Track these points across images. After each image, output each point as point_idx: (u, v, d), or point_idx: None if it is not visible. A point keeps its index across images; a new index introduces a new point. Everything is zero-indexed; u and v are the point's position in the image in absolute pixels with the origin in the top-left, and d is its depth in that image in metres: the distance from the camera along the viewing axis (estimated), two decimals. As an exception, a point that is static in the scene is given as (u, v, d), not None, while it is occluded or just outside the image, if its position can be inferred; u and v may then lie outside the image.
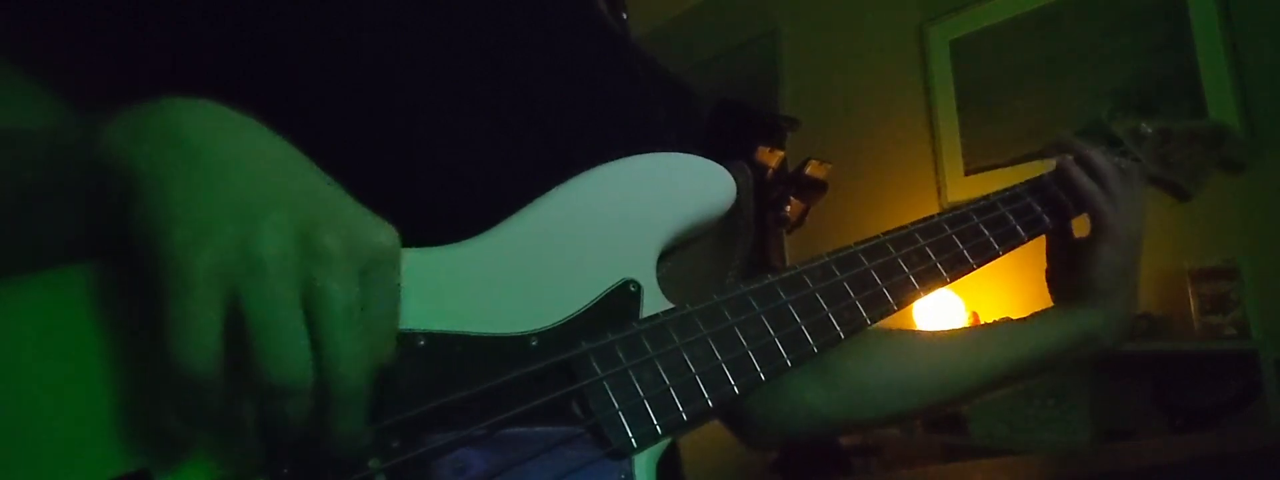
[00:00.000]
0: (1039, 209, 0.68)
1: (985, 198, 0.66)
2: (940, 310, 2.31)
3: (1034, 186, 0.70)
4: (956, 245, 0.61)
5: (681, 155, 0.53)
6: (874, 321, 0.53)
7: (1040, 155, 2.33)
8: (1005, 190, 0.68)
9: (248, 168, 0.33)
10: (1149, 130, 0.77)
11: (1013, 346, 0.68)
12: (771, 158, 2.17)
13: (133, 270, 0.32)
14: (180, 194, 0.31)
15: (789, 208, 2.18)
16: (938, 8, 2.69)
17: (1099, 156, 0.69)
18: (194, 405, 0.31)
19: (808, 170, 2.26)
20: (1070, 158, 0.70)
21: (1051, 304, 0.72)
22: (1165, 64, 2.12)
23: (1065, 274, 0.71)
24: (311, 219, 0.32)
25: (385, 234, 0.34)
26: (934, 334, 0.69)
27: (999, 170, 2.44)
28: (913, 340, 0.71)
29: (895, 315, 0.56)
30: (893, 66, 2.81)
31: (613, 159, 0.50)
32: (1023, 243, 0.66)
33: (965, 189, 2.52)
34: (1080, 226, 0.71)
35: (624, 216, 0.49)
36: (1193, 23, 2.07)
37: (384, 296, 0.35)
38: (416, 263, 0.41)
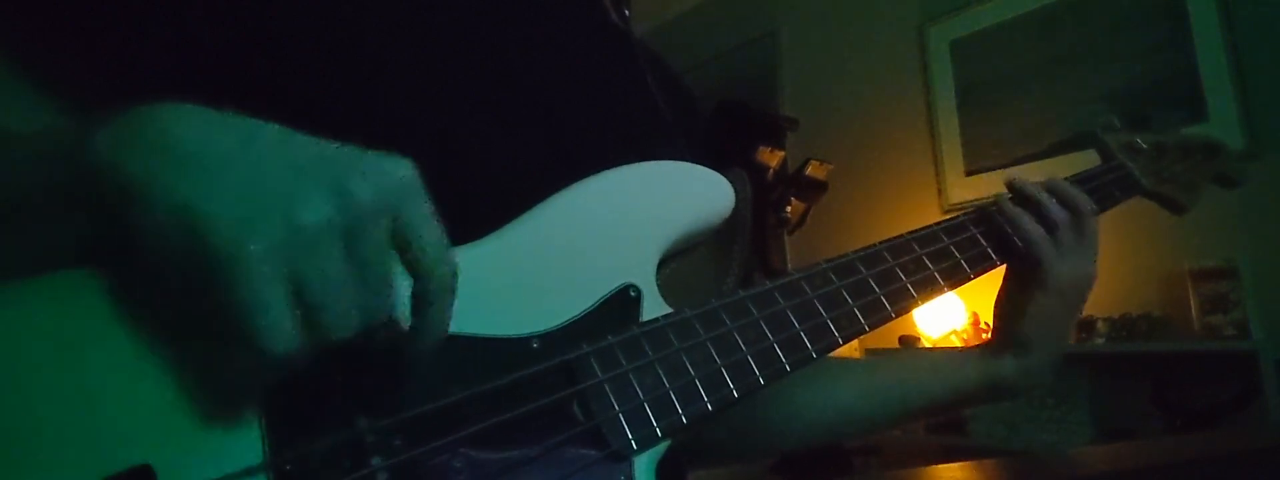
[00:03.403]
0: (984, 243, 0.64)
1: (969, 212, 0.66)
2: (941, 311, 2.31)
3: (979, 217, 0.66)
4: (954, 255, 0.61)
5: (683, 164, 0.54)
6: (872, 328, 0.54)
7: (1041, 155, 2.33)
8: (979, 210, 0.66)
9: (251, 156, 0.33)
10: (1144, 145, 0.77)
11: (927, 389, 0.67)
12: (772, 158, 2.17)
13: (131, 272, 0.33)
14: (194, 192, 0.31)
15: (790, 208, 2.18)
16: (938, 8, 2.69)
17: (1052, 206, 0.64)
18: (283, 370, 0.33)
19: (808, 171, 2.27)
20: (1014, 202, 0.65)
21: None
22: (1165, 64, 2.12)
23: (1009, 302, 0.68)
24: (336, 178, 0.33)
25: (404, 167, 0.36)
26: (851, 364, 0.68)
27: (999, 170, 2.44)
28: (835, 370, 0.67)
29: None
30: (893, 66, 2.81)
31: (617, 158, 0.51)
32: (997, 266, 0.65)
33: (966, 189, 2.51)
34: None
35: (626, 223, 0.49)
36: (1193, 23, 2.07)
37: (427, 217, 0.36)
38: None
